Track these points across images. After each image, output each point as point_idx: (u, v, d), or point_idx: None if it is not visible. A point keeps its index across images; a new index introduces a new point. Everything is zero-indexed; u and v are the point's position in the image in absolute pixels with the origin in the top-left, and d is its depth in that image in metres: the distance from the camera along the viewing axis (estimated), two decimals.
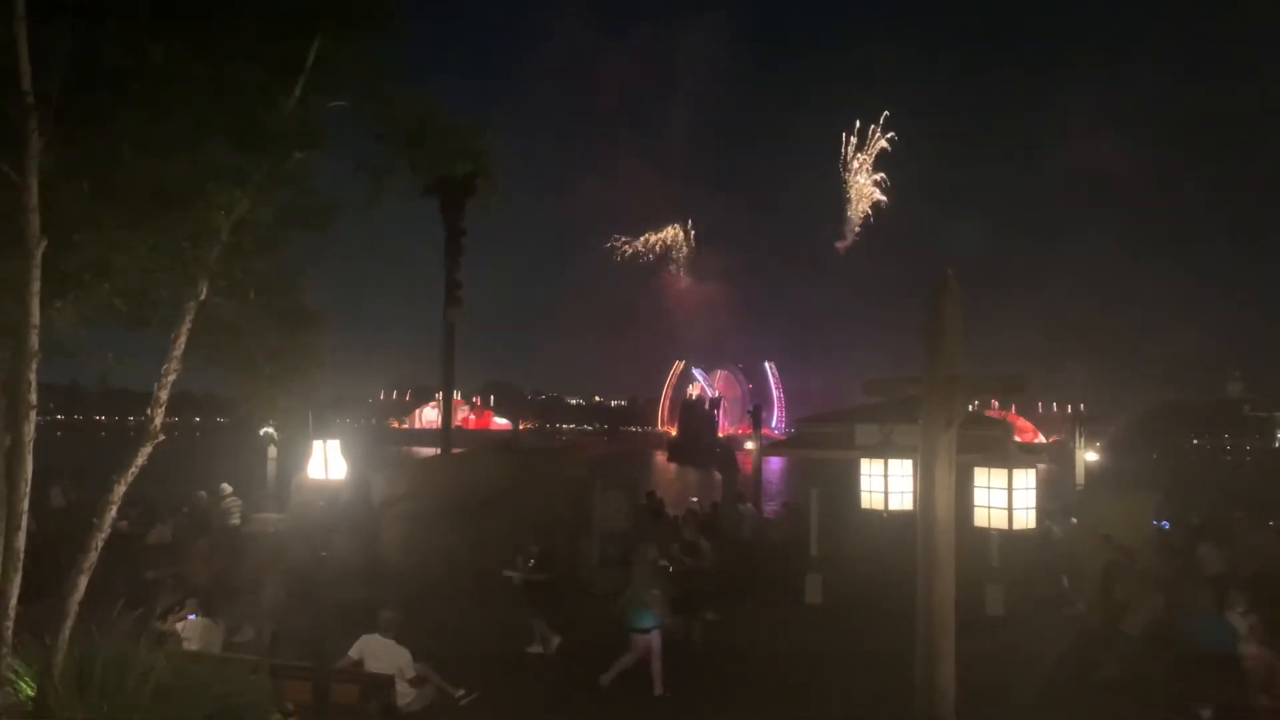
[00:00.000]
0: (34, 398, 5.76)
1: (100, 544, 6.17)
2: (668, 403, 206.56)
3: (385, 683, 8.95)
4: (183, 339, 6.31)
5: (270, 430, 21.41)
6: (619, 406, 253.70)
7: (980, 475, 6.95)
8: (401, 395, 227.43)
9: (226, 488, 18.36)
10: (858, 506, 8.12)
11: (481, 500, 17.09)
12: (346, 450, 13.85)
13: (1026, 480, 6.84)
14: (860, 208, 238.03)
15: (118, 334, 6.76)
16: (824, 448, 16.15)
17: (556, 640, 12.68)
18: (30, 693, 5.95)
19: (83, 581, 6.11)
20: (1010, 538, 8.99)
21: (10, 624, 5.78)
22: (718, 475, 41.14)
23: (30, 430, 5.77)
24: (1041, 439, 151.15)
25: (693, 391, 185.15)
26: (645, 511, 19.20)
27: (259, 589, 12.63)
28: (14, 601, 5.77)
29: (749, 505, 21.46)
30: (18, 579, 5.77)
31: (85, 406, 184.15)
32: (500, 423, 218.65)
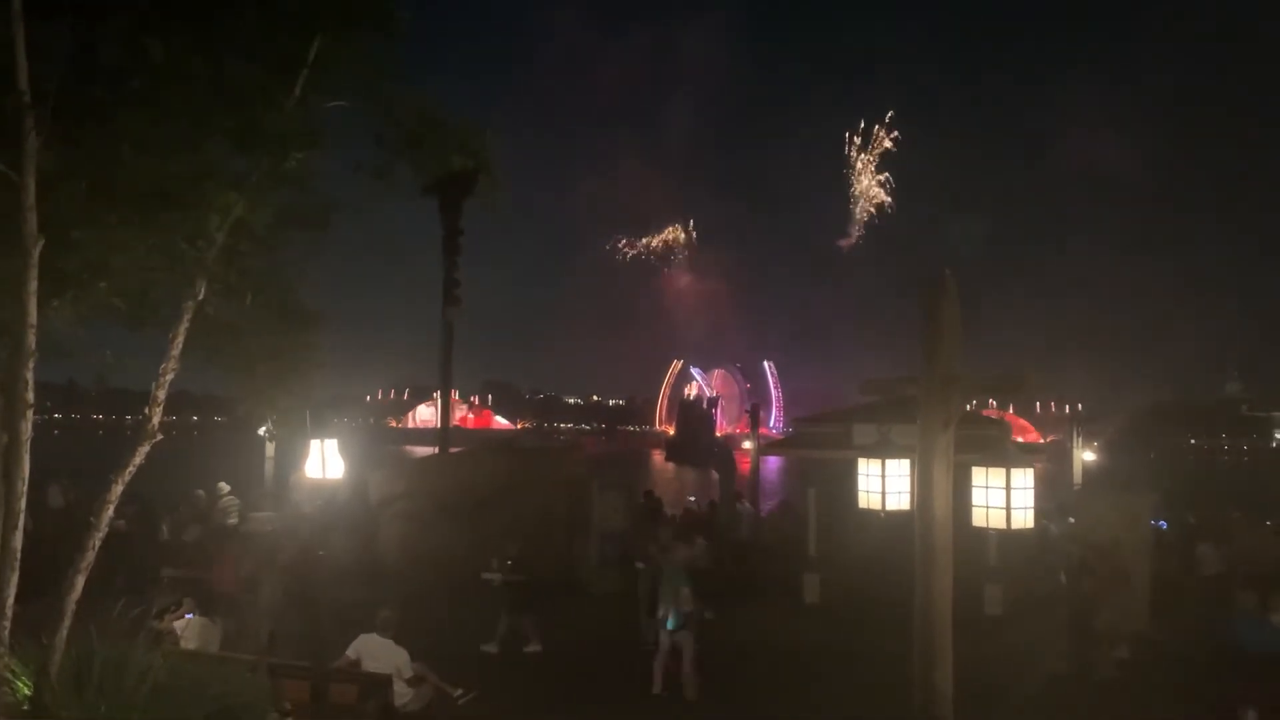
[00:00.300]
0: (31, 396, 5.75)
1: (98, 543, 6.17)
2: (666, 402, 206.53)
3: (383, 682, 8.94)
4: (181, 338, 6.31)
5: (268, 430, 21.45)
6: (617, 406, 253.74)
7: (978, 475, 6.95)
8: (399, 395, 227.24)
9: (224, 487, 18.32)
10: (855, 506, 8.13)
11: (479, 500, 17.10)
12: (344, 449, 13.84)
13: (1024, 480, 6.84)
14: (864, 208, 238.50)
15: (115, 333, 6.77)
16: (821, 447, 16.15)
17: (536, 642, 12.68)
18: (27, 692, 5.94)
19: (80, 581, 6.10)
20: (1008, 537, 8.99)
21: (7, 623, 5.77)
22: (715, 475, 41.12)
23: (27, 429, 5.76)
24: (1040, 439, 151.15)
25: (690, 391, 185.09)
26: (644, 511, 19.21)
27: (256, 588, 12.62)
28: (11, 601, 5.76)
29: (746, 505, 21.48)
30: (14, 578, 5.76)
31: (83, 406, 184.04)
32: (502, 423, 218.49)
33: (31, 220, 5.57)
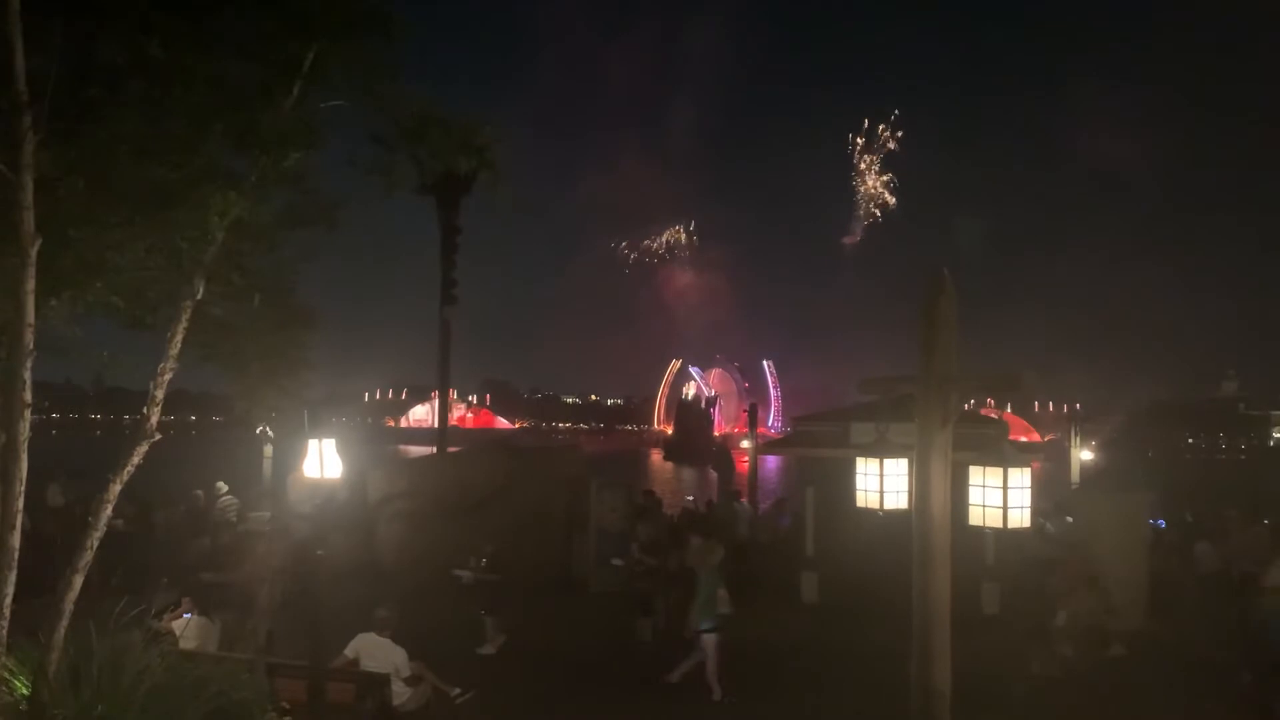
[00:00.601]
0: (29, 396, 5.75)
1: (95, 543, 6.17)
2: (664, 401, 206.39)
3: (381, 681, 8.94)
4: (179, 338, 6.30)
5: (266, 429, 21.45)
6: (615, 405, 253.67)
7: (975, 474, 6.94)
8: (397, 394, 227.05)
9: (222, 486, 18.34)
10: (853, 505, 8.13)
11: (478, 499, 17.10)
12: (342, 449, 13.80)
13: (1021, 479, 6.83)
14: (868, 209, 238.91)
15: (113, 333, 6.77)
16: (819, 446, 16.16)
17: (502, 639, 12.66)
18: (25, 691, 5.94)
19: (78, 580, 6.10)
20: (1005, 536, 9.00)
21: (5, 623, 5.77)
22: (714, 474, 41.13)
23: (25, 429, 5.76)
24: (1038, 438, 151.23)
25: (689, 391, 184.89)
26: (642, 510, 19.19)
27: (254, 587, 12.61)
28: (9, 600, 5.76)
29: (745, 503, 21.49)
30: (12, 577, 5.76)
31: (80, 405, 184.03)
32: (504, 423, 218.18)
33: (29, 219, 5.56)
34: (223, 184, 6.02)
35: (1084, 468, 27.29)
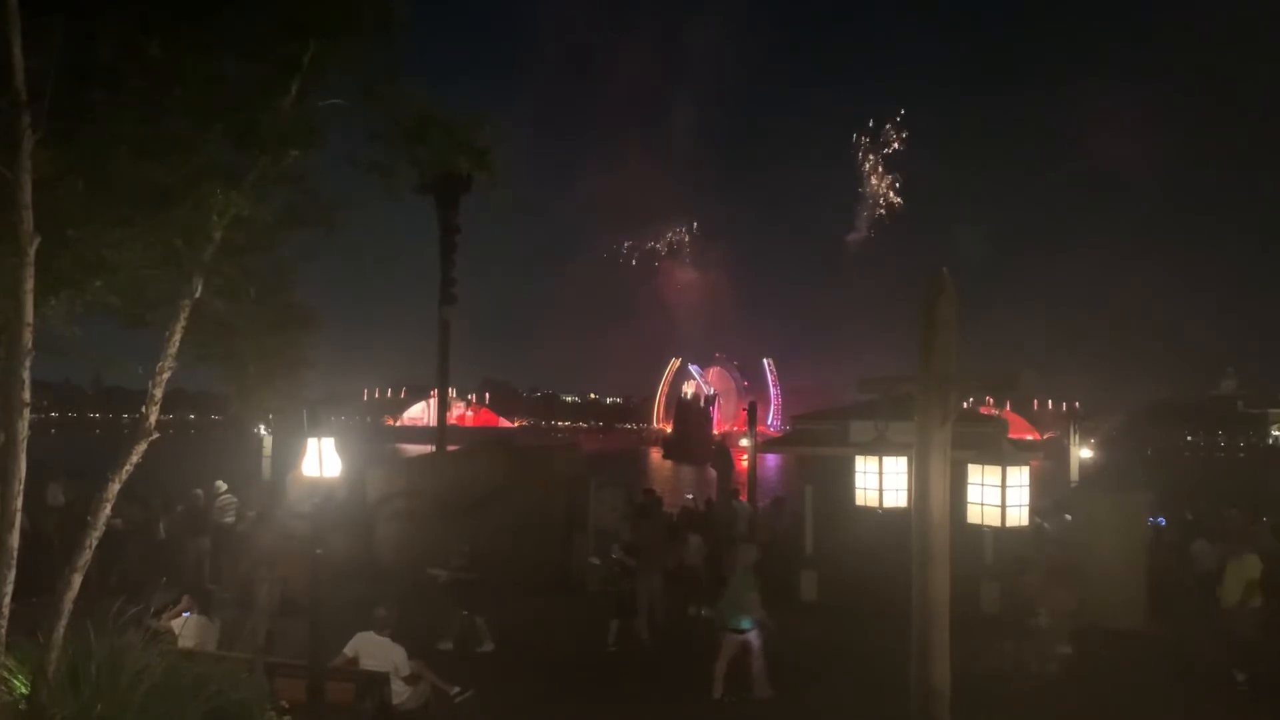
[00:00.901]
0: (27, 395, 5.75)
1: (95, 542, 6.16)
2: (664, 400, 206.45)
3: (380, 680, 8.93)
4: (177, 337, 6.30)
5: (263, 428, 21.47)
6: (615, 404, 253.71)
7: (974, 472, 6.95)
8: (396, 393, 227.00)
9: (221, 485, 18.32)
10: (853, 503, 8.14)
11: (477, 498, 17.10)
12: (341, 448, 13.81)
13: (1020, 478, 6.84)
14: (873, 207, 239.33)
15: (111, 332, 6.76)
16: (819, 445, 16.16)
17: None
18: (24, 691, 5.94)
19: (77, 580, 6.10)
20: (1003, 535, 9.01)
21: (5, 622, 5.77)
22: (713, 472, 41.11)
23: (24, 428, 5.76)
24: (1037, 436, 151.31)
25: (688, 389, 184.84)
26: (643, 509, 19.20)
27: (254, 586, 12.61)
28: (8, 600, 5.76)
29: (744, 502, 21.48)
30: (11, 576, 5.76)
31: (79, 404, 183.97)
32: (505, 422, 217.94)
33: (28, 218, 5.56)
34: (221, 183, 6.01)
35: (1083, 466, 27.31)
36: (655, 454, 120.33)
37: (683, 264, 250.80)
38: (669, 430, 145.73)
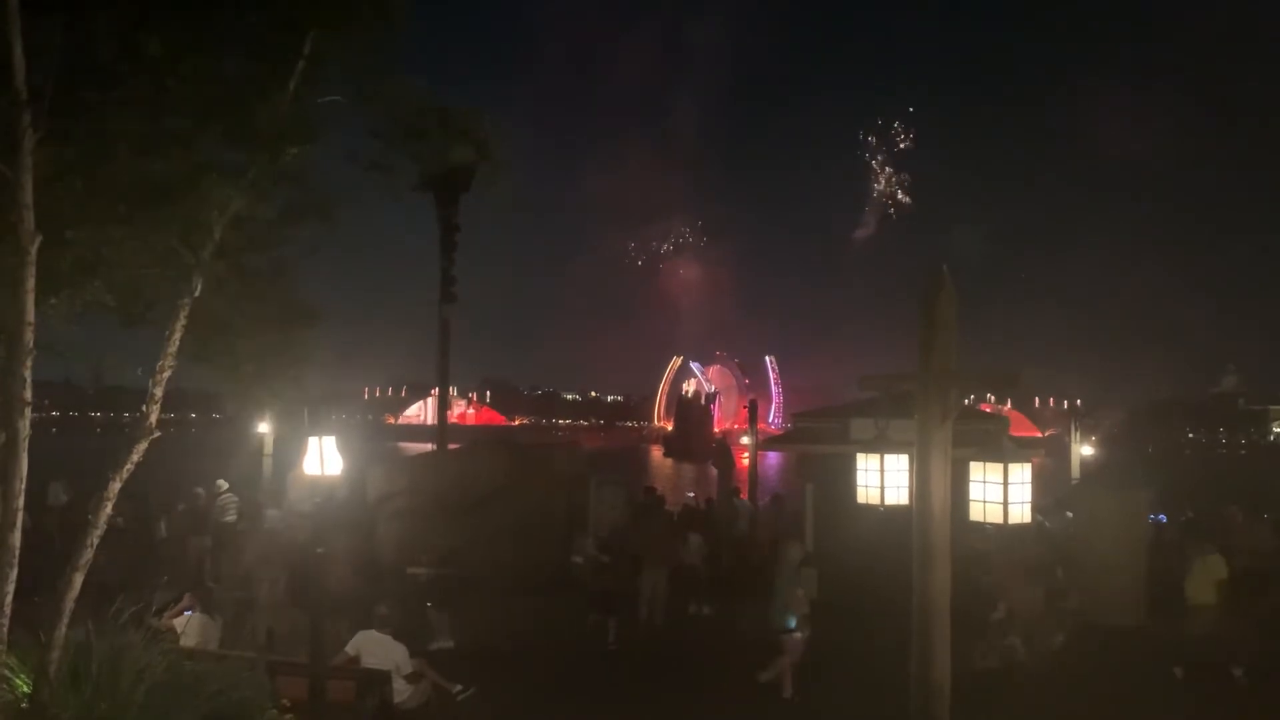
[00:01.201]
0: (29, 394, 5.75)
1: (96, 541, 6.16)
2: (665, 398, 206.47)
3: (381, 679, 8.94)
4: (177, 335, 6.30)
5: (265, 427, 21.44)
6: (615, 402, 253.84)
7: (976, 470, 6.95)
8: (396, 391, 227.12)
9: (222, 484, 18.33)
10: (853, 501, 8.14)
11: (478, 497, 17.09)
12: (342, 446, 13.82)
13: (1022, 475, 6.84)
14: (882, 205, 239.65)
15: (111, 331, 6.76)
16: (820, 442, 16.14)
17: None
18: (26, 690, 5.94)
19: (78, 579, 6.10)
20: (1005, 533, 9.01)
21: (6, 621, 5.77)
22: (714, 470, 41.15)
23: (25, 427, 5.76)
24: (1038, 434, 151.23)
25: (689, 388, 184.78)
26: (643, 508, 19.20)
27: (255, 585, 12.62)
28: (10, 599, 5.76)
29: (745, 500, 21.48)
30: (13, 575, 5.76)
31: (80, 404, 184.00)
32: (507, 420, 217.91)
33: (29, 218, 5.56)
34: (220, 180, 6.01)
35: (1084, 463, 27.28)
36: (656, 452, 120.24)
37: (685, 262, 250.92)
38: (670, 428, 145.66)
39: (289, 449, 16.16)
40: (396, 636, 9.44)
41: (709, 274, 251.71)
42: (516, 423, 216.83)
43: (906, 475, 7.59)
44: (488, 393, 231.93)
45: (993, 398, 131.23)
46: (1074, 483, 24.17)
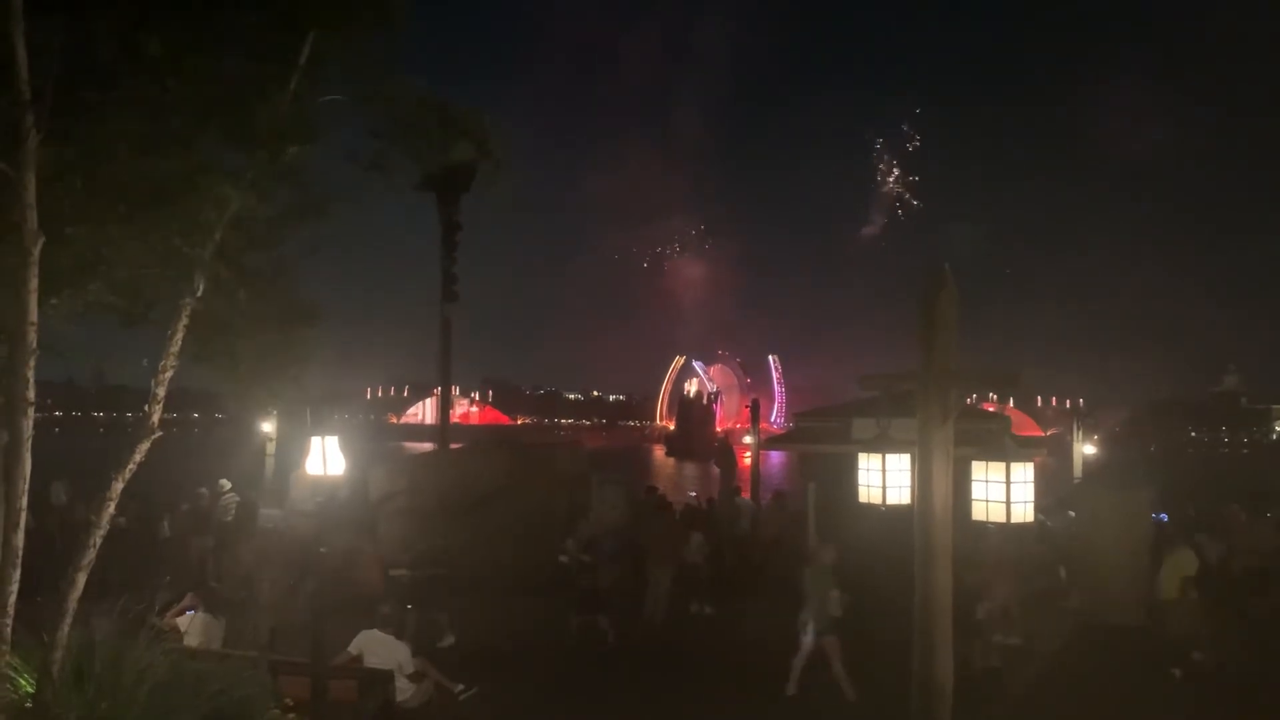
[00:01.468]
0: (32, 394, 5.75)
1: (99, 541, 6.17)
2: (667, 397, 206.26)
3: (384, 678, 8.96)
4: (179, 335, 6.30)
5: (267, 427, 21.44)
6: (618, 401, 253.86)
7: (978, 469, 6.96)
8: (399, 390, 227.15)
9: (225, 484, 18.35)
10: (855, 500, 8.15)
11: (480, 497, 17.09)
12: (345, 446, 13.83)
13: (1024, 474, 6.85)
14: (889, 204, 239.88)
15: (112, 331, 6.76)
16: (821, 442, 16.13)
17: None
18: (29, 689, 5.95)
19: (81, 578, 6.10)
20: (1007, 532, 9.01)
21: (9, 621, 5.78)
22: (716, 469, 41.12)
23: (28, 427, 5.76)
24: (1040, 433, 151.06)
25: (690, 387, 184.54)
26: (648, 507, 19.19)
27: (257, 584, 12.64)
28: (13, 599, 5.77)
29: (747, 499, 21.46)
30: (16, 575, 5.77)
31: (83, 403, 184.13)
32: (509, 420, 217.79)
33: (32, 217, 5.56)
34: (220, 179, 6.01)
35: (1086, 462, 27.25)
36: (658, 451, 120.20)
37: (687, 261, 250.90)
38: (672, 428, 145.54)
39: (291, 448, 16.17)
40: (399, 636, 9.45)
41: (711, 273, 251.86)
42: (520, 422, 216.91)
43: (908, 475, 7.59)
44: (490, 392, 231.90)
45: (994, 397, 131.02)
46: (1076, 482, 24.16)
